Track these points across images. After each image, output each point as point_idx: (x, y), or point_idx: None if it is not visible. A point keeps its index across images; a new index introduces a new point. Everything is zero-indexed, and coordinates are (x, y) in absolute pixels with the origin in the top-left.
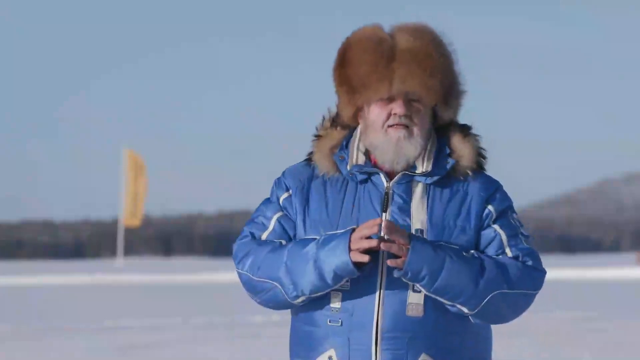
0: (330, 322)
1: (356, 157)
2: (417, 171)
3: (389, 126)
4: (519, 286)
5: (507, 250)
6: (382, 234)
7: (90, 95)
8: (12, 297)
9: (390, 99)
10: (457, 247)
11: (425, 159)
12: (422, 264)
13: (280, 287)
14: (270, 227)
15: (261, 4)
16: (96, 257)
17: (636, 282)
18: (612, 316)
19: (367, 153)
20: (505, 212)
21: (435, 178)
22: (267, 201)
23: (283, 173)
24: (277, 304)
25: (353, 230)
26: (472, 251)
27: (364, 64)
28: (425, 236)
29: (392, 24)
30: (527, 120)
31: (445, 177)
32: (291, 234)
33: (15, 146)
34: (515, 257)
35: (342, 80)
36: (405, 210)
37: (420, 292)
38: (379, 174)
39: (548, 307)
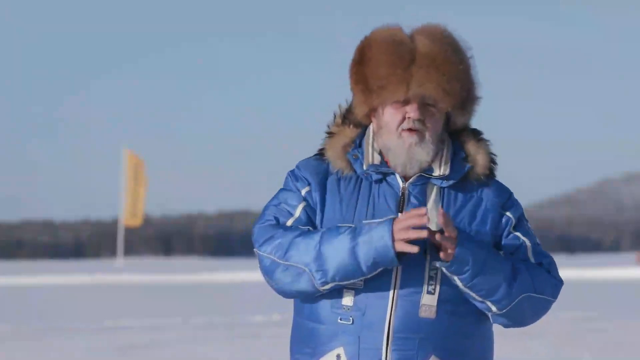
0: (340, 320)
1: (372, 156)
2: (434, 174)
3: (403, 130)
4: (543, 292)
5: (531, 257)
6: (432, 225)
7: (90, 95)
8: (12, 297)
9: (406, 102)
10: (493, 247)
11: (443, 162)
12: (468, 257)
13: (309, 272)
14: (296, 215)
15: (261, 4)
16: (96, 257)
17: (636, 282)
18: (612, 316)
19: (381, 153)
20: (521, 219)
21: (451, 182)
22: (287, 190)
23: (298, 167)
24: (298, 291)
25: (392, 219)
26: (501, 252)
27: (382, 64)
28: None
29: (412, 25)
30: (527, 120)
31: (459, 181)
32: (315, 224)
33: (15, 146)
34: (539, 264)
35: (359, 78)
36: None
37: (434, 294)
38: (394, 174)
39: None
